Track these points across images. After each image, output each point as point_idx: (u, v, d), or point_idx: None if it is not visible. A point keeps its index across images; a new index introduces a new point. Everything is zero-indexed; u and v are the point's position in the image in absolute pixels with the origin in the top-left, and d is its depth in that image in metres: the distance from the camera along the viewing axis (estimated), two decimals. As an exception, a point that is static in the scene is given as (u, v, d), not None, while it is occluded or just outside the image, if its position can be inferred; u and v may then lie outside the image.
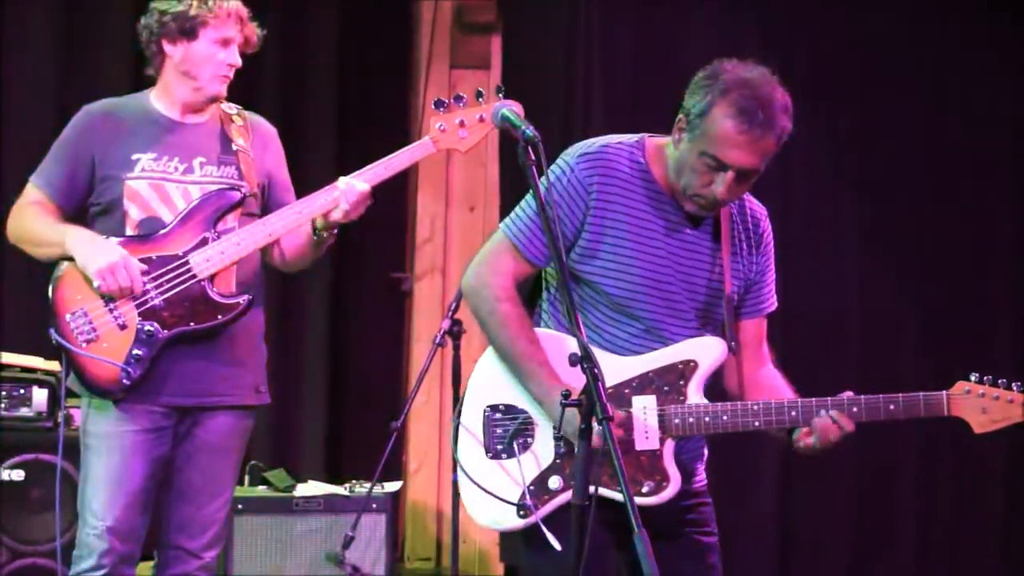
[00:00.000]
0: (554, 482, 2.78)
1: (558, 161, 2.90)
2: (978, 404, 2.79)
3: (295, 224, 3.46)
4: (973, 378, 2.80)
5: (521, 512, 2.80)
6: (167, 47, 3.49)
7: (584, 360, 2.43)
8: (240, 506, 4.68)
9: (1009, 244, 5.77)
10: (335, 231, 3.51)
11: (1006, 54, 5.74)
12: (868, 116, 5.75)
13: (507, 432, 2.85)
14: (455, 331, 4.48)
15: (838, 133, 5.71)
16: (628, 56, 5.69)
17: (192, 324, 3.40)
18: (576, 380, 2.51)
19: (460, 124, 3.44)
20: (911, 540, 5.69)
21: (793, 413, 2.82)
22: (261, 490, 5.01)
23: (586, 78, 5.73)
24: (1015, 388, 2.80)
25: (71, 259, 3.40)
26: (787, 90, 2.81)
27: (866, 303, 5.71)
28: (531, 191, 2.62)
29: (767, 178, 2.84)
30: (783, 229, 5.16)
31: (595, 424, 2.43)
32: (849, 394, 2.82)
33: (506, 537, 4.43)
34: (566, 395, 2.52)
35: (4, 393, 4.61)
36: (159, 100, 3.55)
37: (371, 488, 4.76)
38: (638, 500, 2.75)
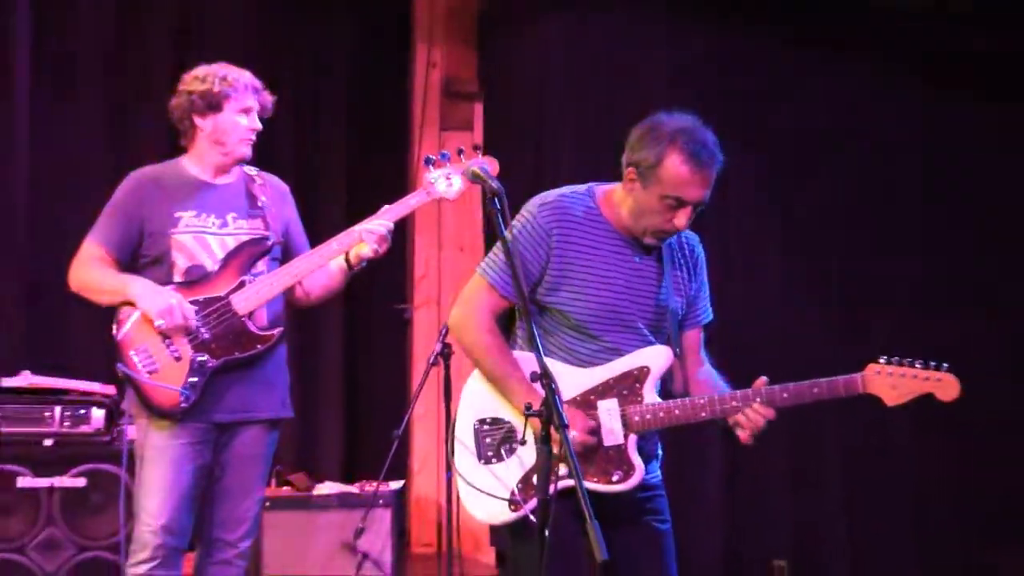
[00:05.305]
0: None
1: (522, 211, 3.05)
2: (888, 382, 2.98)
3: (315, 267, 3.72)
4: (882, 360, 2.99)
5: (512, 506, 2.96)
6: (198, 121, 3.73)
7: (543, 376, 2.55)
8: (268, 504, 4.85)
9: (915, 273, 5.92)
10: (364, 264, 3.77)
11: (908, 82, 5.87)
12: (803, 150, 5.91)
13: (495, 440, 3.03)
14: (446, 353, 4.65)
15: (773, 170, 5.84)
16: (594, 109, 5.84)
17: (237, 353, 3.64)
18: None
19: (447, 177, 3.70)
20: (840, 514, 5.89)
21: (734, 402, 3.00)
22: (285, 490, 5.30)
23: (556, 134, 5.91)
24: (918, 366, 2.99)
25: (129, 303, 3.61)
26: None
27: (788, 316, 5.88)
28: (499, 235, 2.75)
29: (708, 211, 3.08)
30: (722, 255, 5.15)
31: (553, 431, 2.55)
32: (764, 379, 3.00)
33: (495, 528, 4.55)
34: (528, 407, 2.61)
35: (68, 413, 4.77)
36: (192, 165, 3.77)
37: (377, 487, 5.00)
38: (611, 488, 2.96)
